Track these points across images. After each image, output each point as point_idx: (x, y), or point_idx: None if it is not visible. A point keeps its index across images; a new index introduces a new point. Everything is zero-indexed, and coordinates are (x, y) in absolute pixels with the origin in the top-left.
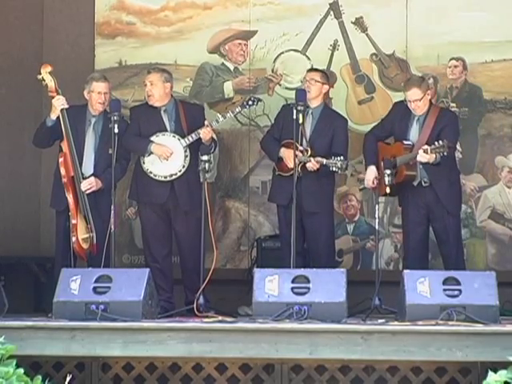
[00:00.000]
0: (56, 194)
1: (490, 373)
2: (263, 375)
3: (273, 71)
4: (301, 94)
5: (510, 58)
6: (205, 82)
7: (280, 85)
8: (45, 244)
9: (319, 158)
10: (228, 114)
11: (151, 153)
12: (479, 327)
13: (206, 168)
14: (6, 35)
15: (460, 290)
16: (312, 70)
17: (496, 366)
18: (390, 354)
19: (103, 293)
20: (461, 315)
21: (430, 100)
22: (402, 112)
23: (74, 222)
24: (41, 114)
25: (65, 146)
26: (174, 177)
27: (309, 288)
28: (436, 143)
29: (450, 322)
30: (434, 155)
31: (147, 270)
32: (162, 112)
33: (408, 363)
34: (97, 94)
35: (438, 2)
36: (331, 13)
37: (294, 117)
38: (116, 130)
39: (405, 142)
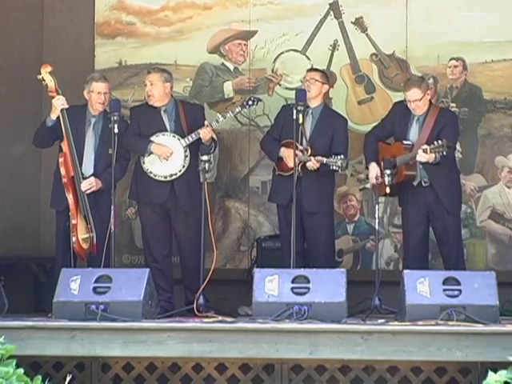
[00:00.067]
0: (56, 194)
1: (490, 373)
2: (263, 375)
3: (273, 71)
4: (301, 94)
5: (509, 58)
6: (205, 82)
7: (280, 85)
8: (45, 244)
9: (319, 157)
10: (228, 114)
11: (151, 153)
12: (479, 327)
13: (206, 168)
14: (6, 35)
15: (460, 290)
16: (312, 69)
17: (496, 366)
18: (389, 353)
19: (103, 293)
20: (461, 315)
21: (430, 100)
22: (401, 112)
23: (74, 222)
24: (41, 114)
25: (65, 146)
26: (173, 177)
27: (309, 288)
28: (435, 143)
29: (450, 322)
30: (433, 155)
31: (147, 270)
32: (161, 112)
33: (408, 363)
34: (97, 94)
35: (438, 2)
36: (331, 13)
37: (294, 117)
38: (116, 130)
39: (404, 142)
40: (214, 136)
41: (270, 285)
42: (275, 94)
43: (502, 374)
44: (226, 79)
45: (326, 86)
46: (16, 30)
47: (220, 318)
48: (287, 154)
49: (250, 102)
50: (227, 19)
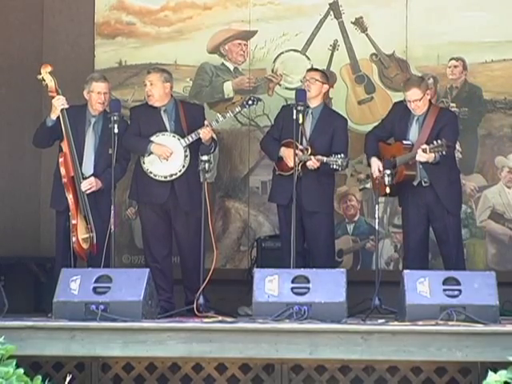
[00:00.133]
0: (56, 194)
1: (490, 373)
2: (263, 375)
3: (273, 71)
4: (301, 94)
5: (509, 58)
6: (205, 82)
7: (280, 85)
8: (45, 244)
9: (320, 156)
10: (228, 114)
11: (151, 153)
12: (479, 327)
13: (206, 168)
14: (6, 35)
15: (460, 290)
16: (312, 69)
17: (496, 366)
18: (389, 354)
19: (103, 293)
20: (461, 315)
21: (430, 100)
22: (401, 112)
23: (74, 222)
24: (41, 114)
25: (65, 146)
26: (173, 177)
27: (309, 288)
28: (435, 142)
29: (450, 322)
30: (433, 154)
31: (147, 270)
32: (161, 112)
33: (408, 363)
34: (96, 94)
35: (438, 2)
36: (331, 13)
37: (294, 117)
38: (116, 130)
39: (404, 142)
40: (214, 136)
41: (270, 285)
42: (275, 94)
43: (502, 374)
44: (225, 79)
45: (325, 86)
46: (16, 29)
47: (220, 318)
48: (287, 154)
49: (250, 102)
50: (227, 19)
